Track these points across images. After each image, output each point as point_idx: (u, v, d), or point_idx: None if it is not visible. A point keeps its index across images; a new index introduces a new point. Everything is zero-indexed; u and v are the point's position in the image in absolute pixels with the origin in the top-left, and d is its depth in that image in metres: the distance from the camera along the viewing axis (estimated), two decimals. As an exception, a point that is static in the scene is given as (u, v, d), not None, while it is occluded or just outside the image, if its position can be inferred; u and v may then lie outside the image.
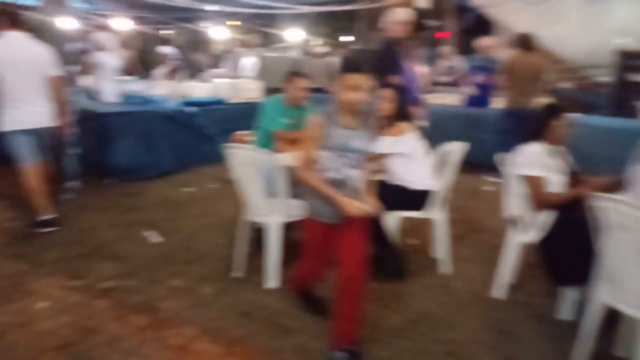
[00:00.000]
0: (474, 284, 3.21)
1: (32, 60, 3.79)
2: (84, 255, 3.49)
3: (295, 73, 3.76)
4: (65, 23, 4.60)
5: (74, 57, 4.83)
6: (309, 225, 2.43)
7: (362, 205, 2.26)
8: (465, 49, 8.41)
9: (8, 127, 3.77)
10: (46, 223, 3.89)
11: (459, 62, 7.82)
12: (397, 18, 4.09)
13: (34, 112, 3.81)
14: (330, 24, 14.83)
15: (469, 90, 6.38)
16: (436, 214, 3.30)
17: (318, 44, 13.62)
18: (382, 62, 3.90)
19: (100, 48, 5.76)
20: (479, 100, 6.31)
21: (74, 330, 2.58)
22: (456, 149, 3.30)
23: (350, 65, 2.21)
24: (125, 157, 5.28)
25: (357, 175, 2.33)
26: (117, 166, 5.25)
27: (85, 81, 5.49)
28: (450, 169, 3.28)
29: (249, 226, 3.23)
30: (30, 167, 3.86)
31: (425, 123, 4.10)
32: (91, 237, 3.82)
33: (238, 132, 4.27)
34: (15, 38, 3.77)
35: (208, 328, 2.63)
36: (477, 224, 4.31)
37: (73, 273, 3.21)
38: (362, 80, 2.19)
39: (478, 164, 4.76)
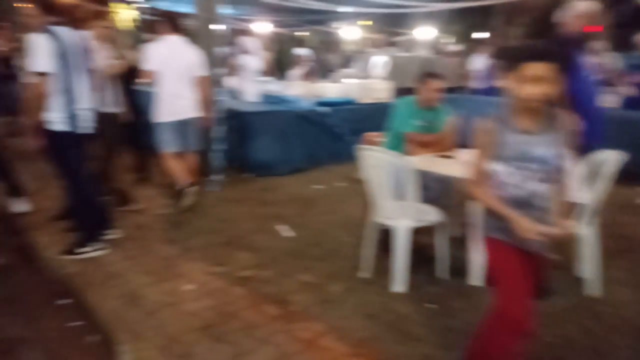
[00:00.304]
0: (626, 309, 2.87)
1: (185, 61, 4.35)
2: (225, 244, 3.79)
3: (428, 74, 3.68)
4: (216, 29, 5.02)
5: (222, 60, 5.26)
6: (495, 247, 1.99)
7: (548, 228, 1.83)
8: (620, 45, 7.50)
9: (162, 118, 4.35)
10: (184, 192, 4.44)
11: (611, 60, 7.01)
12: (580, 10, 3.43)
13: (184, 106, 4.37)
14: (463, 20, 14.23)
15: (627, 90, 5.69)
16: (584, 229, 3.00)
17: (450, 42, 13.17)
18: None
19: (244, 51, 6.19)
20: (638, 101, 5.61)
21: (214, 314, 2.81)
22: (611, 159, 2.96)
23: (531, 53, 1.79)
24: (262, 153, 5.63)
25: (545, 191, 1.90)
26: (255, 162, 5.62)
27: (230, 82, 5.95)
28: (603, 180, 2.96)
29: (377, 228, 3.24)
30: (174, 155, 4.46)
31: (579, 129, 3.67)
32: (231, 227, 4.13)
33: (369, 133, 4.30)
34: (174, 41, 4.32)
35: (335, 326, 2.69)
36: (632, 243, 3.84)
37: (216, 260, 3.50)
38: (546, 70, 1.75)
39: (634, 173, 4.23)
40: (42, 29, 3.06)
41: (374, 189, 3.14)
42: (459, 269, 3.22)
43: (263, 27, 10.43)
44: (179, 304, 2.92)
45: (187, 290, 3.07)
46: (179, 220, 4.21)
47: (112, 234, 3.65)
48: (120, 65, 4.21)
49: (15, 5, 8.18)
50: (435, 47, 11.54)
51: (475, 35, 14.34)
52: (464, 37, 13.84)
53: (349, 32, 13.03)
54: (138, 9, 10.66)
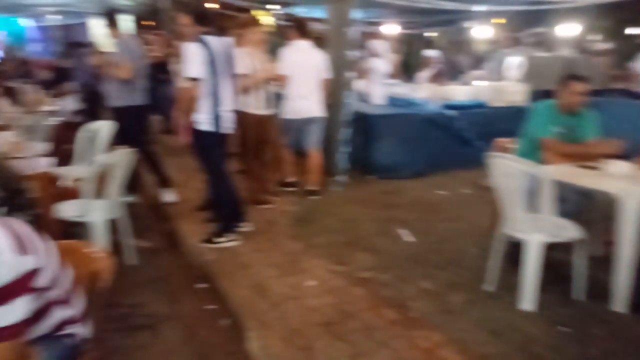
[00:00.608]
0: None
1: (312, 64, 4.66)
2: (345, 244, 3.87)
3: (571, 76, 3.40)
4: (347, 33, 5.14)
5: (353, 63, 5.37)
6: None
7: None
8: None
9: (289, 115, 4.68)
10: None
11: None
12: None
13: (308, 106, 4.68)
14: (613, 15, 12.78)
15: None
16: None
17: (597, 40, 11.93)
18: None
19: (374, 54, 6.25)
20: None
21: (335, 312, 2.90)
22: None
23: None
24: (385, 156, 5.63)
25: None
26: (378, 164, 5.64)
27: (358, 85, 6.05)
28: None
29: (505, 239, 3.08)
30: (299, 153, 4.81)
31: None
32: (353, 227, 4.21)
33: (500, 139, 4.10)
34: (302, 46, 4.64)
35: (455, 337, 2.62)
36: None
37: (337, 258, 3.59)
38: None
39: None
40: (195, 38, 3.40)
41: (504, 198, 2.99)
42: (598, 291, 2.93)
43: (391, 29, 10.42)
44: (302, 298, 3.05)
45: (310, 286, 3.20)
46: (305, 218, 4.38)
47: (245, 227, 3.93)
48: (270, 71, 4.40)
49: (171, 15, 9.19)
50: (579, 45, 10.54)
51: (629, 30, 12.84)
52: (614, 34, 12.45)
53: (481, 32, 12.46)
54: (274, 15, 11.30)
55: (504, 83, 6.96)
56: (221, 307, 3.11)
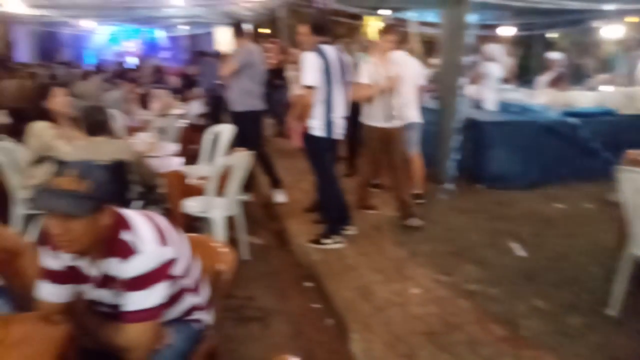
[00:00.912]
0: None
1: (411, 73, 4.57)
2: (451, 254, 3.79)
3: None
4: (462, 37, 5.02)
5: (466, 68, 5.22)
6: None
7: None
8: None
9: (413, 119, 4.64)
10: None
11: None
12: None
13: (410, 112, 4.57)
14: None
15: None
16: None
17: None
18: None
19: (488, 58, 6.03)
20: None
21: (439, 322, 2.86)
22: None
23: None
24: (497, 165, 5.41)
25: None
26: (488, 173, 5.43)
27: (470, 90, 5.86)
28: None
29: (633, 261, 2.81)
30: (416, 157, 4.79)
31: None
32: (459, 237, 4.11)
33: (632, 151, 3.74)
34: (399, 57, 4.47)
35: (571, 362, 2.46)
36: None
37: (441, 268, 3.53)
38: None
39: None
40: (313, 47, 3.56)
41: (633, 216, 2.74)
42: None
43: (507, 31, 9.93)
44: (406, 305, 3.05)
45: (414, 294, 3.18)
46: (410, 225, 4.35)
47: (350, 230, 4.01)
48: (394, 81, 4.05)
49: (288, 23, 9.62)
50: None
51: None
52: None
53: (611, 32, 11.39)
54: (384, 20, 11.30)
55: (636, 89, 6.33)
56: (326, 307, 3.21)
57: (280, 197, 4.99)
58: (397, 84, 4.05)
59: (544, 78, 7.21)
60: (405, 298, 3.14)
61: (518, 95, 6.57)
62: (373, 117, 4.13)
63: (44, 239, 1.57)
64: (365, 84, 3.98)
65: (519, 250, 3.84)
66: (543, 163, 5.51)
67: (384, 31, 4.18)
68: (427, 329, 2.78)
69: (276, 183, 5.05)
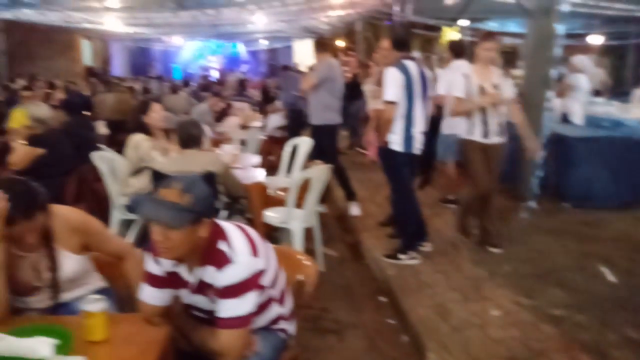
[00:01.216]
0: None
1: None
2: (534, 276, 3.63)
3: None
4: (549, 48, 4.82)
5: (553, 81, 4.98)
6: None
7: None
8: None
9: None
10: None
11: None
12: None
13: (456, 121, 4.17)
14: None
15: None
16: None
17: None
18: None
19: (576, 70, 5.75)
20: None
21: (521, 347, 2.75)
22: None
23: None
24: (584, 183, 5.11)
25: None
26: (574, 191, 5.15)
27: (556, 104, 5.60)
28: None
29: None
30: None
31: None
32: (543, 259, 3.93)
33: None
34: (461, 66, 4.38)
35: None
36: None
37: (523, 291, 3.39)
38: None
39: None
40: (395, 63, 3.59)
41: None
42: None
43: (597, 40, 9.39)
44: (485, 327, 2.96)
45: (494, 316, 3.08)
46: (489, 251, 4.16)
47: (426, 247, 3.97)
48: (496, 95, 3.74)
49: (364, 36, 9.74)
50: None
51: None
52: None
53: None
54: (461, 30, 11.07)
55: None
56: (401, 323, 3.20)
57: (355, 209, 5.03)
58: (500, 100, 3.73)
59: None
60: (485, 319, 3.05)
61: (611, 108, 6.18)
62: (472, 132, 3.83)
63: (150, 246, 1.72)
64: (462, 99, 3.74)
65: (609, 276, 3.61)
66: (636, 182, 5.15)
67: (483, 38, 3.83)
68: (509, 354, 2.69)
69: (351, 196, 5.10)
